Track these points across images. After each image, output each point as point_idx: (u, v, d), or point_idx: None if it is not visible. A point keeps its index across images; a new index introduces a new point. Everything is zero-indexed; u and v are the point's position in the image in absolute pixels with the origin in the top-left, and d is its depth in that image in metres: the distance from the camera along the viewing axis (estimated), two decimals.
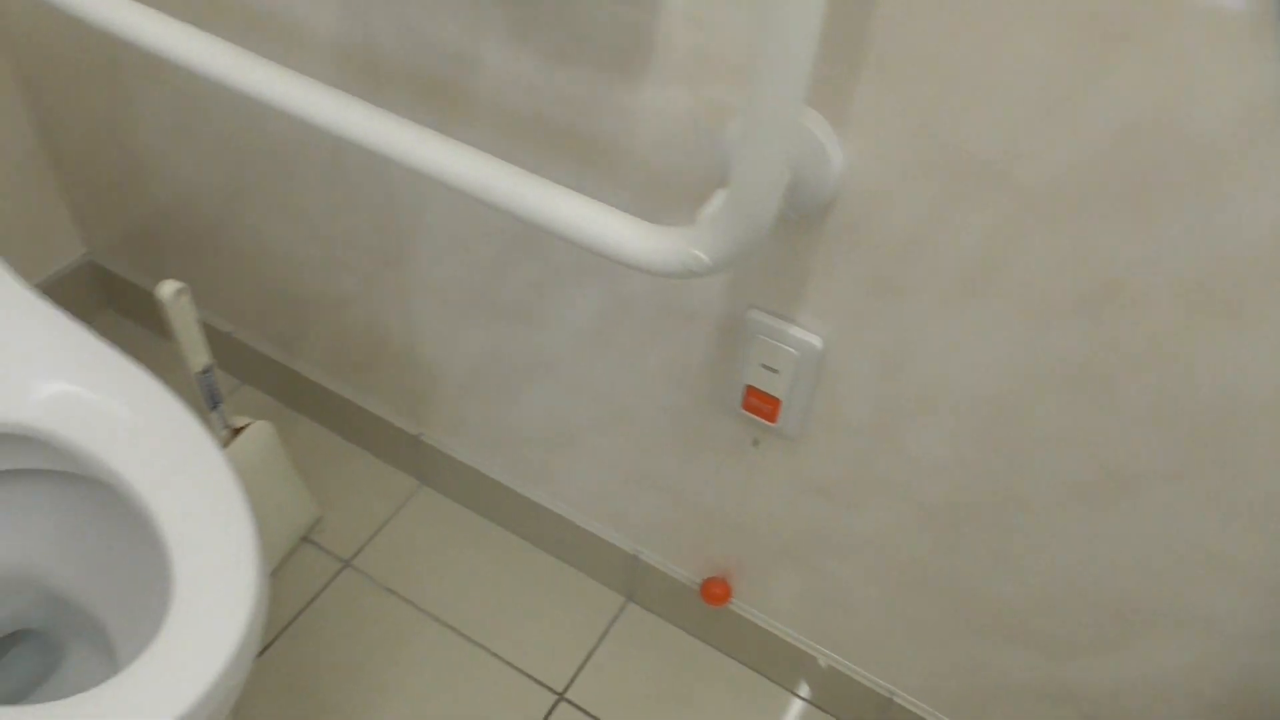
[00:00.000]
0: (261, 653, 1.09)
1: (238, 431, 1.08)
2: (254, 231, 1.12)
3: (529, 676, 1.10)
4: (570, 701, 1.09)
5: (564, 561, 1.19)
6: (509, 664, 1.11)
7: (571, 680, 1.10)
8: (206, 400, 1.02)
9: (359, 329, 1.13)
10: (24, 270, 1.30)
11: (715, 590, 1.04)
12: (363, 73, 0.87)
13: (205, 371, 1.00)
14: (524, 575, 1.19)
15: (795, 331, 0.78)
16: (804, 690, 1.09)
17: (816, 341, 0.77)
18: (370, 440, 1.27)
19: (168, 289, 0.92)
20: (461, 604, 1.16)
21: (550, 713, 1.08)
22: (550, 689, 1.09)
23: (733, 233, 0.59)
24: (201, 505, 0.77)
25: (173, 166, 1.13)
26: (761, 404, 0.83)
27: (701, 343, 0.85)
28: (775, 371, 0.80)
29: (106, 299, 1.42)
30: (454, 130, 0.85)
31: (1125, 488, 0.72)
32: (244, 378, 1.34)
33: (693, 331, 0.85)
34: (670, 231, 0.63)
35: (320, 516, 1.22)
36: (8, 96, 1.19)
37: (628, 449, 1.01)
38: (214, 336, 1.31)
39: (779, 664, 1.08)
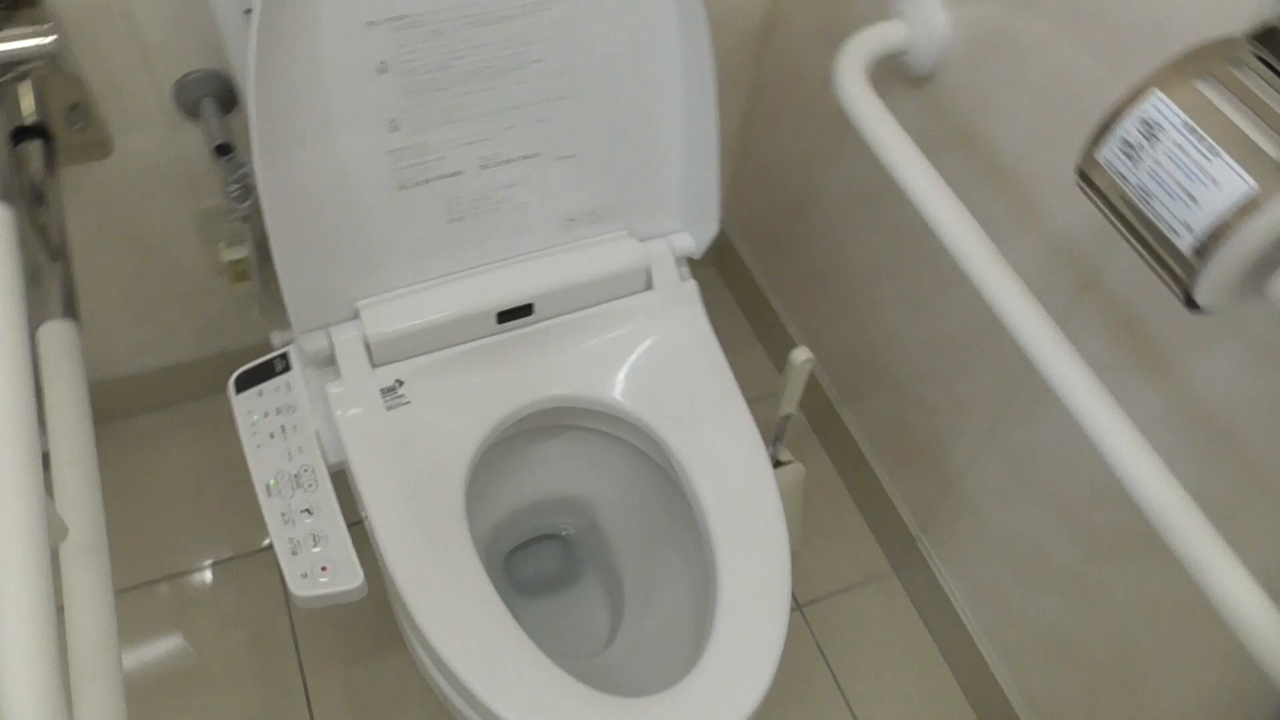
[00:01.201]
0: None
1: (778, 464, 1.20)
2: (876, 301, 1.20)
3: None
4: None
5: (973, 707, 1.20)
6: None
7: None
8: (773, 434, 1.14)
9: (924, 432, 1.18)
10: None
11: None
12: (1067, 272, 0.88)
13: (786, 417, 1.11)
14: (935, 700, 1.22)
15: None
16: None
17: None
18: (872, 513, 1.34)
19: (800, 356, 1.02)
20: (872, 698, 1.22)
21: None
22: None
23: None
24: (752, 531, 0.88)
25: (834, 212, 1.22)
26: None
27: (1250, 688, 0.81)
28: None
29: (714, 259, 1.59)
30: (1123, 375, 0.84)
31: None
32: None
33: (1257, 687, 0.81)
34: None
35: (798, 552, 1.33)
36: (737, 93, 1.34)
37: (1111, 694, 0.98)
38: (784, 343, 1.43)
39: None
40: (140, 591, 1.24)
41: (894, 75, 1.03)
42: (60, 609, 0.62)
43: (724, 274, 1.59)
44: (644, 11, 0.83)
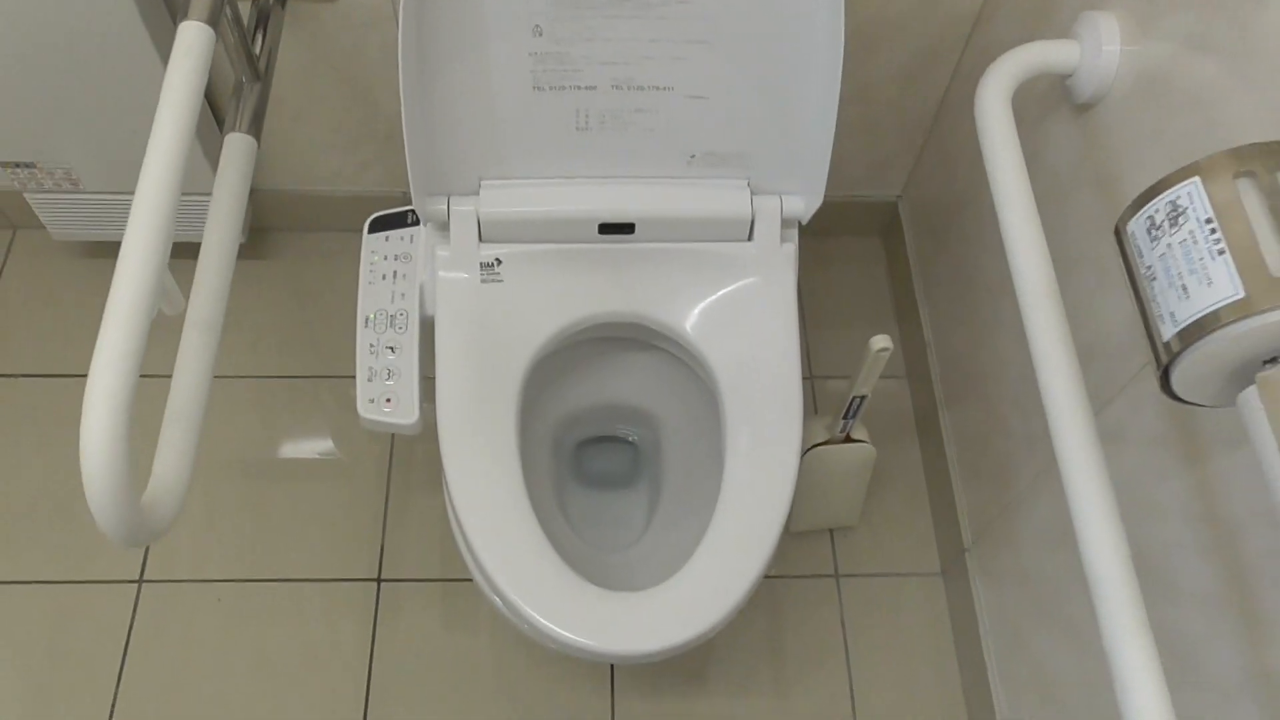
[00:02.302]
0: None
1: (849, 439, 1.23)
2: (996, 319, 1.19)
3: None
4: None
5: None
6: None
7: None
8: (845, 411, 1.17)
9: (999, 454, 1.18)
10: (859, 165, 1.50)
11: None
12: None
13: (860, 398, 1.14)
14: (936, 704, 1.25)
15: None
16: None
17: None
18: (939, 513, 1.35)
19: (877, 344, 1.04)
20: (876, 681, 1.26)
21: None
22: None
23: None
24: (759, 486, 0.95)
25: (986, 220, 1.21)
26: None
27: None
28: None
29: (880, 229, 1.60)
30: (1164, 453, 0.83)
31: None
32: (911, 380, 1.47)
33: None
34: None
35: (854, 527, 1.36)
36: (940, 74, 1.33)
37: None
38: (916, 328, 1.44)
39: None
40: (281, 381, 1.44)
41: (1061, 95, 1.01)
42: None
43: (886, 245, 1.59)
44: None
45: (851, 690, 1.26)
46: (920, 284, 1.45)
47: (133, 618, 1.28)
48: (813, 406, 1.47)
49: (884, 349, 1.05)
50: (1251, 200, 0.57)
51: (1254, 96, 0.72)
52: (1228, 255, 0.56)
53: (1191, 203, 0.59)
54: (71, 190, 1.32)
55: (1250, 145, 0.59)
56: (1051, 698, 1.05)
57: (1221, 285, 0.56)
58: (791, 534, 1.36)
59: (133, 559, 1.31)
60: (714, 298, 1.02)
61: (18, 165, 1.27)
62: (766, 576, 1.30)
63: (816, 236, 1.58)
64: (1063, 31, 1.03)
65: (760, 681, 1.26)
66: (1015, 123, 1.05)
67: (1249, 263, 0.56)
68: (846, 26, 1.20)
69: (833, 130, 0.94)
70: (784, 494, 0.94)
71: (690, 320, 1.02)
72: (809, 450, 1.23)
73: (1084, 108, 0.97)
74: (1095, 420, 0.74)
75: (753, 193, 1.01)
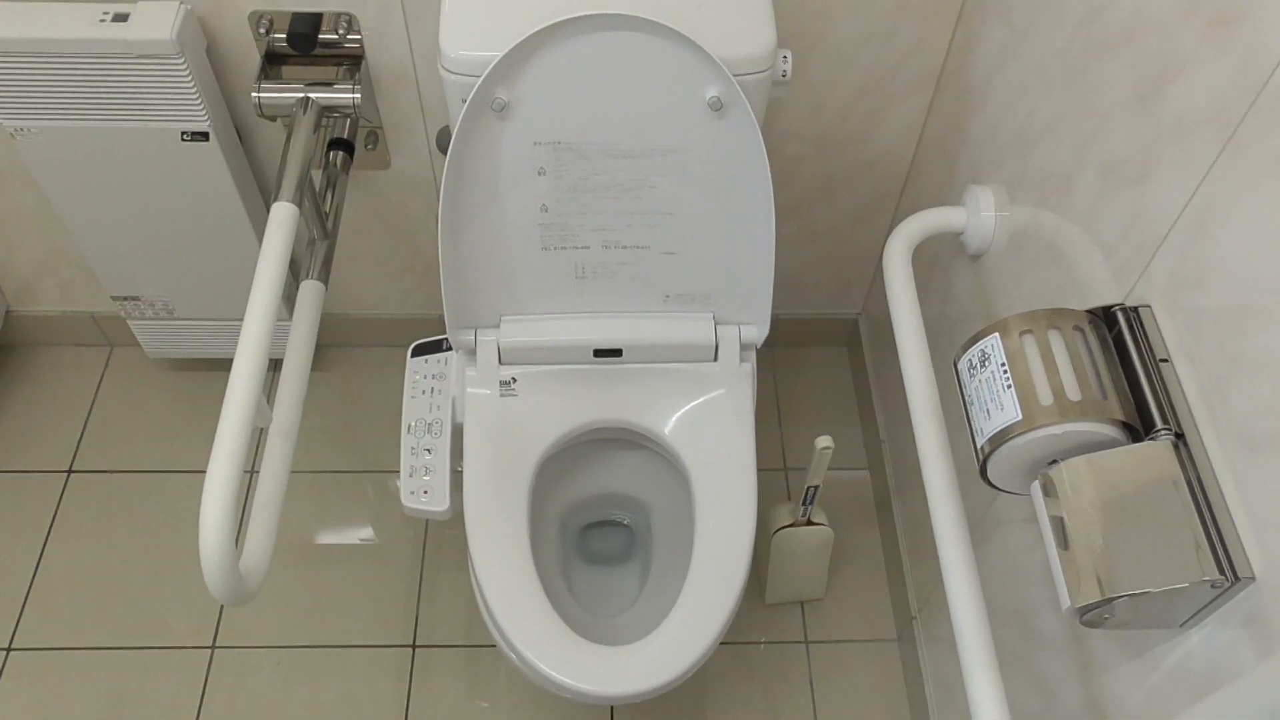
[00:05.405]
0: None
1: (811, 522, 1.46)
2: None
3: None
4: None
5: None
6: None
7: None
8: (803, 499, 1.41)
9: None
10: (826, 288, 1.76)
11: None
12: None
13: (814, 488, 1.38)
14: None
15: None
16: None
17: None
18: (893, 586, 1.57)
19: (821, 443, 1.29)
20: None
21: None
22: None
23: None
24: (721, 563, 1.18)
25: None
26: None
27: None
28: None
29: (846, 339, 1.85)
30: (1028, 525, 1.06)
31: None
32: (871, 470, 1.70)
33: None
34: None
35: (821, 599, 1.58)
36: (883, 214, 1.59)
37: None
38: (873, 427, 1.67)
39: None
40: (331, 475, 1.70)
41: (959, 247, 1.26)
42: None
43: (850, 354, 1.84)
44: (735, 167, 1.13)
45: None
46: (876, 389, 1.70)
47: (207, 676, 1.51)
48: (786, 493, 1.70)
49: (826, 447, 1.29)
50: (1031, 351, 0.82)
51: (1076, 254, 0.97)
52: (1013, 389, 0.81)
53: (993, 351, 0.84)
54: (167, 318, 1.60)
55: (1033, 311, 0.84)
56: None
57: (1009, 410, 0.81)
58: (767, 605, 1.58)
59: (207, 628, 1.55)
60: (686, 408, 1.27)
61: (125, 298, 1.56)
62: (747, 643, 1.53)
63: (793, 347, 1.84)
64: (961, 187, 1.30)
65: None
66: (930, 265, 1.31)
67: (1026, 395, 0.80)
68: (800, 182, 1.48)
69: (772, 277, 1.20)
70: (739, 570, 1.17)
71: (668, 426, 1.27)
72: (776, 532, 1.46)
73: (975, 257, 1.22)
74: (965, 507, 0.98)
75: (716, 323, 1.27)
